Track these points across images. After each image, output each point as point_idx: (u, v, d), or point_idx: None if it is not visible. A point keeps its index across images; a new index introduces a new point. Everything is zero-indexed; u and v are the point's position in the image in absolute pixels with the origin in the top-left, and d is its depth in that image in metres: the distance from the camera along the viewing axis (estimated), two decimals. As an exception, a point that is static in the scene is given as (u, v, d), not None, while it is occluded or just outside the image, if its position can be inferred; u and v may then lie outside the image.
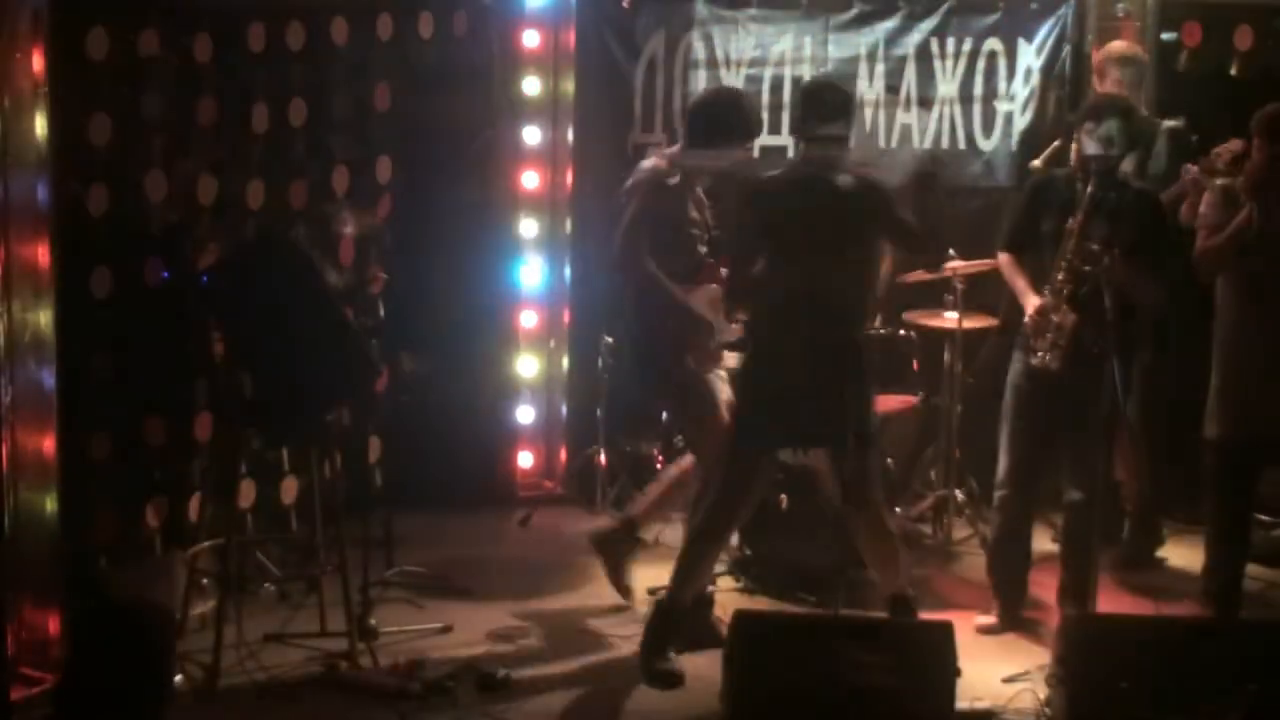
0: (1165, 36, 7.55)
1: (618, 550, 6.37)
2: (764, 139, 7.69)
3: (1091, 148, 5.82)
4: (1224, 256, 5.82)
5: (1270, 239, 5.74)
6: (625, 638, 6.12)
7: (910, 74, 7.70)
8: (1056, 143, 7.13)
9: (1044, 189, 6.10)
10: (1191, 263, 5.92)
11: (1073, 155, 6.01)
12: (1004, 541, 6.26)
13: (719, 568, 6.72)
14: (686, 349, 6.07)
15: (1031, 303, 5.92)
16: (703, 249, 6.13)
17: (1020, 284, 6.02)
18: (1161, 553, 7.05)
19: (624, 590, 6.37)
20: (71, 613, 5.32)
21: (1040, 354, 5.89)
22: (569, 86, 7.78)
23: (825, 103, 5.79)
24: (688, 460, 6.38)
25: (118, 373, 5.95)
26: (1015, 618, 6.25)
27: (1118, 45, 6.99)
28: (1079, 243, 5.78)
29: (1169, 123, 6.82)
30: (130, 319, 6.03)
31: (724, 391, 6.13)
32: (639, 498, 6.51)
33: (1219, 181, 6.01)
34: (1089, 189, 5.78)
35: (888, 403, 7.05)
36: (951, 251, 7.09)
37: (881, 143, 7.74)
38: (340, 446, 6.07)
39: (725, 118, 6.04)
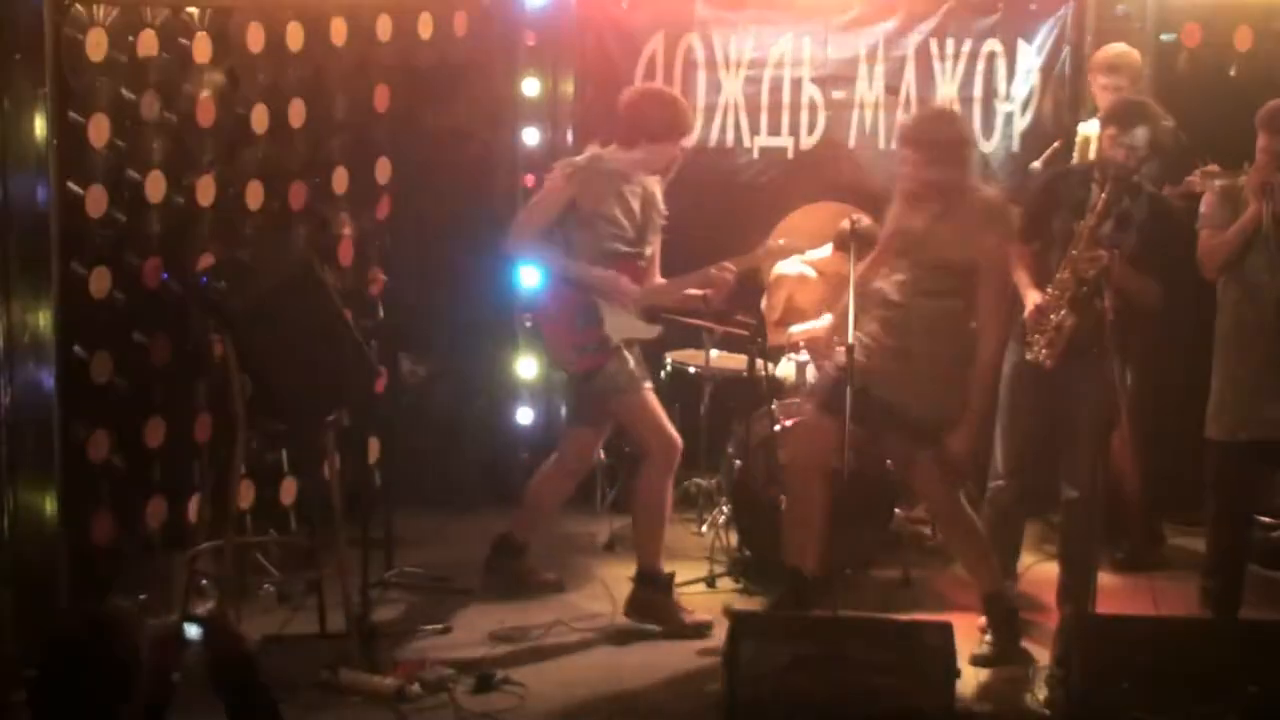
0: (1165, 37, 7.54)
1: (506, 568, 6.56)
2: (764, 140, 7.76)
3: (1115, 153, 5.80)
4: (1231, 254, 5.82)
5: (1273, 237, 5.74)
6: (624, 637, 6.14)
7: (910, 75, 7.69)
8: (1057, 143, 7.14)
9: (1058, 184, 6.09)
10: (1196, 261, 5.93)
11: (1077, 153, 5.99)
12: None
13: (718, 568, 6.74)
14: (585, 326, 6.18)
15: (1032, 299, 5.92)
16: (621, 246, 6.19)
17: (1023, 277, 6.01)
18: (1162, 553, 7.05)
19: (544, 584, 6.60)
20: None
21: (1035, 350, 5.90)
22: (568, 87, 7.79)
23: None
24: (550, 464, 6.58)
25: (117, 373, 5.94)
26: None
27: (1107, 51, 6.97)
28: (1088, 245, 5.77)
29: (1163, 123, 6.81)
30: (130, 319, 6.03)
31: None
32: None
33: (1219, 182, 6.01)
34: (1105, 194, 5.77)
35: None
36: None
37: (881, 144, 7.73)
38: (340, 447, 6.07)
39: (648, 118, 6.16)
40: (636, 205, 6.24)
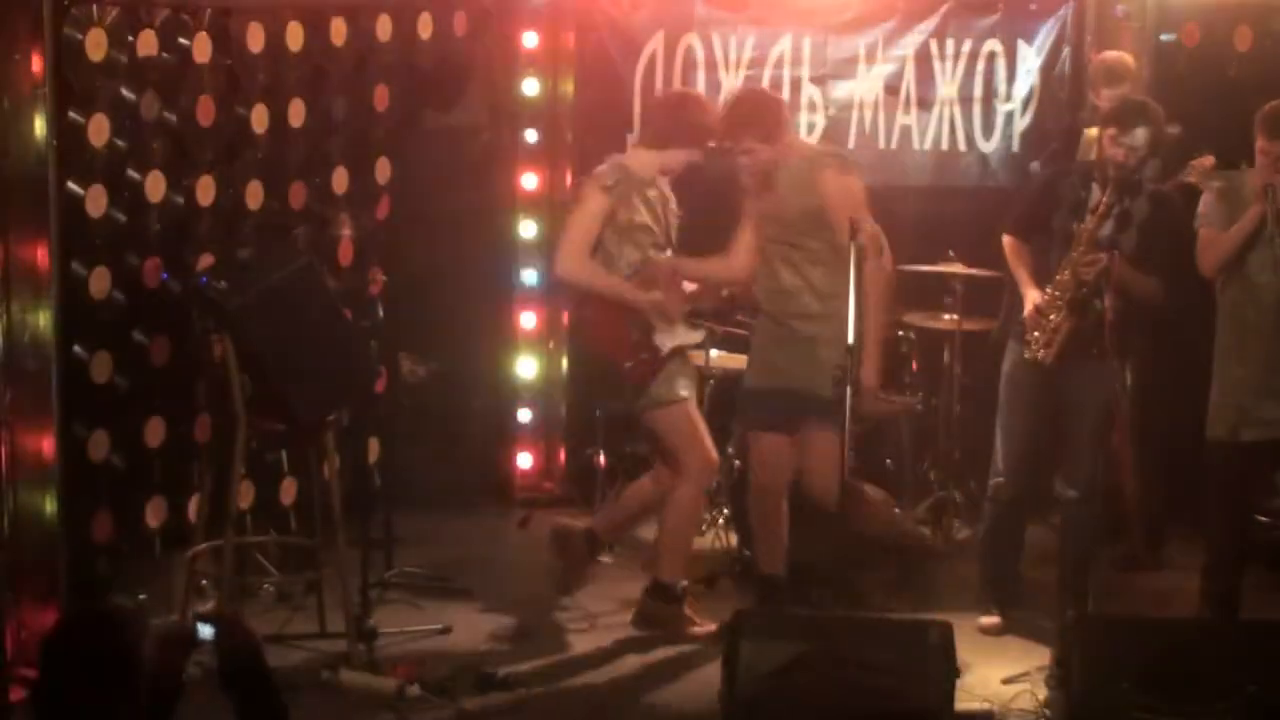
0: (1164, 37, 7.54)
1: (578, 556, 6.44)
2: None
3: (1115, 153, 5.80)
4: (1230, 254, 5.82)
5: (1275, 238, 5.74)
6: (623, 638, 6.14)
7: (909, 75, 7.70)
8: (1055, 144, 7.14)
9: (1057, 184, 6.09)
10: (1196, 260, 5.93)
11: (1081, 153, 5.98)
12: (995, 532, 6.27)
13: (718, 568, 6.74)
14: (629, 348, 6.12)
15: (1032, 298, 5.93)
16: (657, 254, 6.16)
17: (1023, 274, 6.02)
18: (1162, 554, 7.05)
19: (567, 589, 6.49)
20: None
21: (1034, 348, 5.90)
22: (568, 87, 7.79)
23: None
24: (646, 480, 6.42)
25: (117, 373, 5.94)
26: (1006, 613, 6.26)
27: (1106, 59, 6.97)
28: (1088, 247, 5.78)
29: (1168, 129, 6.80)
30: (130, 319, 6.03)
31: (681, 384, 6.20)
32: (607, 511, 6.54)
33: (1216, 183, 6.01)
34: (1105, 195, 5.77)
35: (888, 404, 7.05)
36: (951, 253, 7.09)
37: (881, 144, 7.74)
38: (340, 447, 6.07)
39: (686, 121, 6.16)
40: (660, 209, 6.21)
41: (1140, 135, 5.78)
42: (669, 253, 6.25)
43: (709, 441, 6.23)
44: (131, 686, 3.47)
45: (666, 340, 6.13)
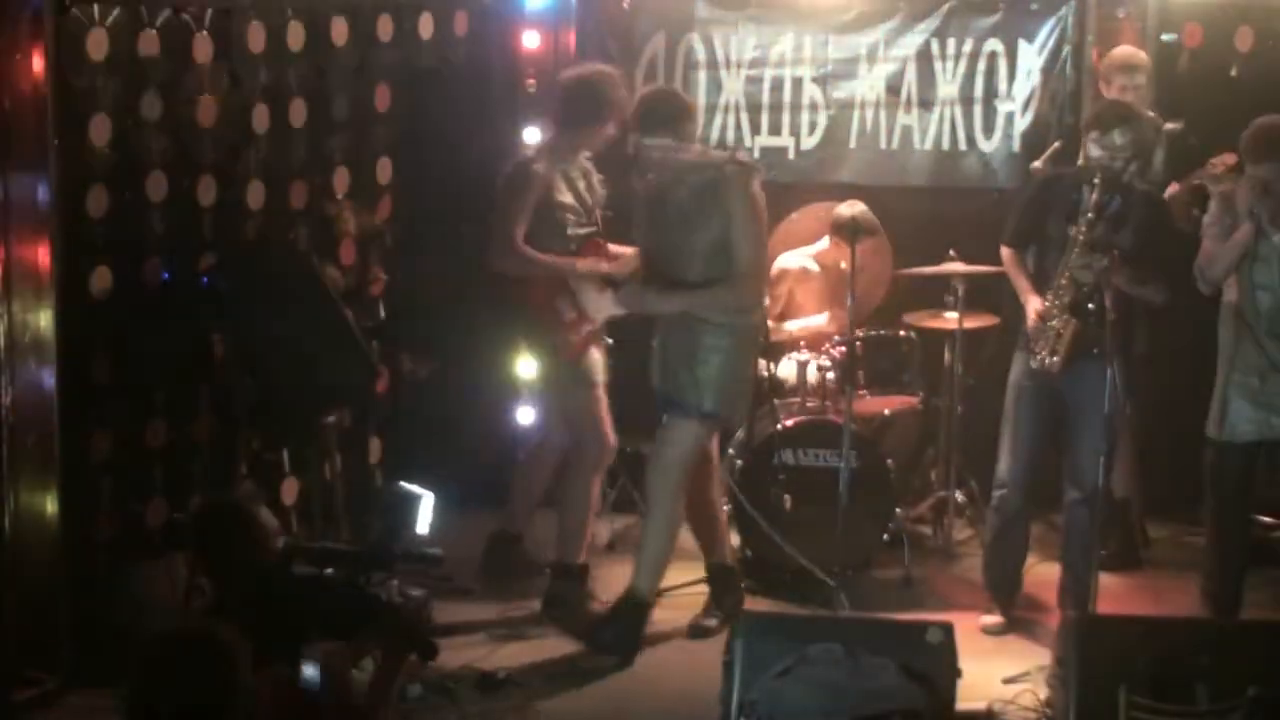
0: (1165, 38, 7.53)
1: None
2: (764, 139, 7.75)
3: (1098, 155, 5.83)
4: (1227, 266, 5.82)
5: (1270, 249, 5.75)
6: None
7: (910, 75, 7.69)
8: (1057, 144, 7.14)
9: (1050, 188, 6.12)
10: (1195, 269, 5.93)
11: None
12: (1000, 541, 6.28)
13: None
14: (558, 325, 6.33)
15: (1033, 305, 5.95)
16: (579, 230, 6.35)
17: (1022, 283, 6.04)
18: (1160, 554, 7.05)
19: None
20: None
21: (1041, 356, 5.91)
22: (569, 87, 7.77)
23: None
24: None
25: (118, 373, 5.94)
26: (1007, 612, 6.27)
27: (1120, 52, 6.98)
28: (1083, 250, 5.79)
29: (1168, 125, 6.81)
30: (130, 319, 6.03)
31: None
32: (567, 540, 6.44)
33: (1219, 188, 6.01)
34: (1094, 197, 5.79)
35: (888, 403, 7.07)
36: (952, 253, 7.09)
37: (882, 144, 7.73)
38: (340, 447, 6.07)
39: (582, 101, 6.32)
40: (582, 185, 6.40)
41: (1120, 137, 5.82)
42: (589, 230, 6.42)
43: (609, 427, 6.38)
44: (231, 713, 3.30)
45: (597, 313, 6.33)
